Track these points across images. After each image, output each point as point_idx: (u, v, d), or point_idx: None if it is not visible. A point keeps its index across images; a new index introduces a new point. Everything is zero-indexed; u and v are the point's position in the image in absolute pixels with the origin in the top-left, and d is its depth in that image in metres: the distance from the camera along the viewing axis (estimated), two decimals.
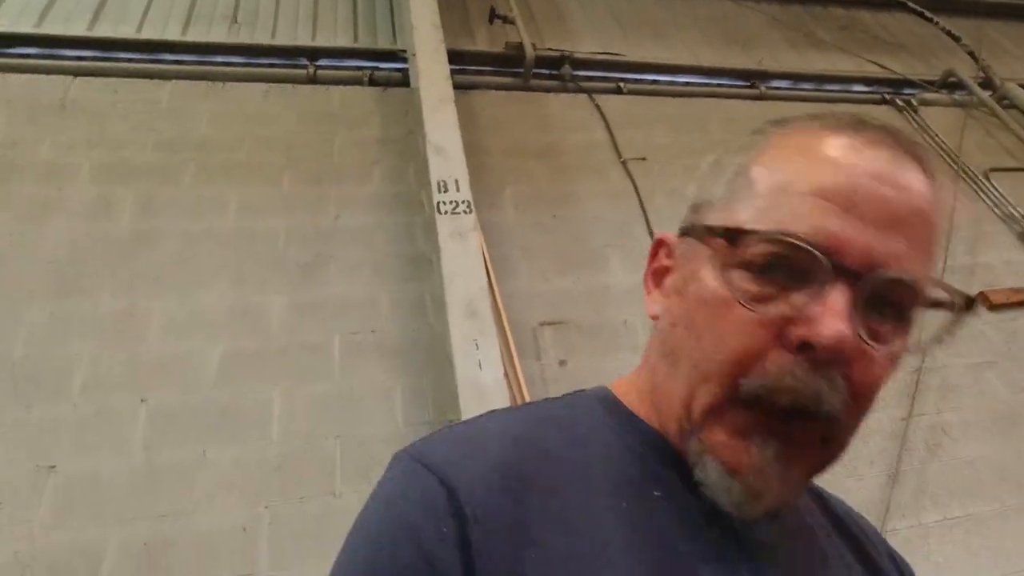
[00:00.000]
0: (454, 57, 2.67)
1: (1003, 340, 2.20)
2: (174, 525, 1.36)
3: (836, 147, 0.40)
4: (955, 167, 2.78)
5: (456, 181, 1.88)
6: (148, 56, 2.60)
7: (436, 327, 1.77)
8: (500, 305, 1.77)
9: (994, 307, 2.31)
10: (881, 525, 1.60)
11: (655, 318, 0.47)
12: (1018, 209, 2.62)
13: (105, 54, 2.54)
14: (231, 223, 1.91)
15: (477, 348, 1.56)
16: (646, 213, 2.23)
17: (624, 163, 2.39)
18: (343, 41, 2.80)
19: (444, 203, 1.83)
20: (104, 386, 1.51)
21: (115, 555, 1.29)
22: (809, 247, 0.36)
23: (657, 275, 0.50)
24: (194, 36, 2.66)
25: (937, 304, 0.40)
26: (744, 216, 0.40)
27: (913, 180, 0.39)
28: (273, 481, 1.46)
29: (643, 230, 2.20)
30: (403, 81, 2.60)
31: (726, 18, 3.36)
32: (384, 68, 2.72)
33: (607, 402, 0.49)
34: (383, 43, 2.82)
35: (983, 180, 2.75)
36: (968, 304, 0.39)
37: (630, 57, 2.91)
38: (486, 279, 1.72)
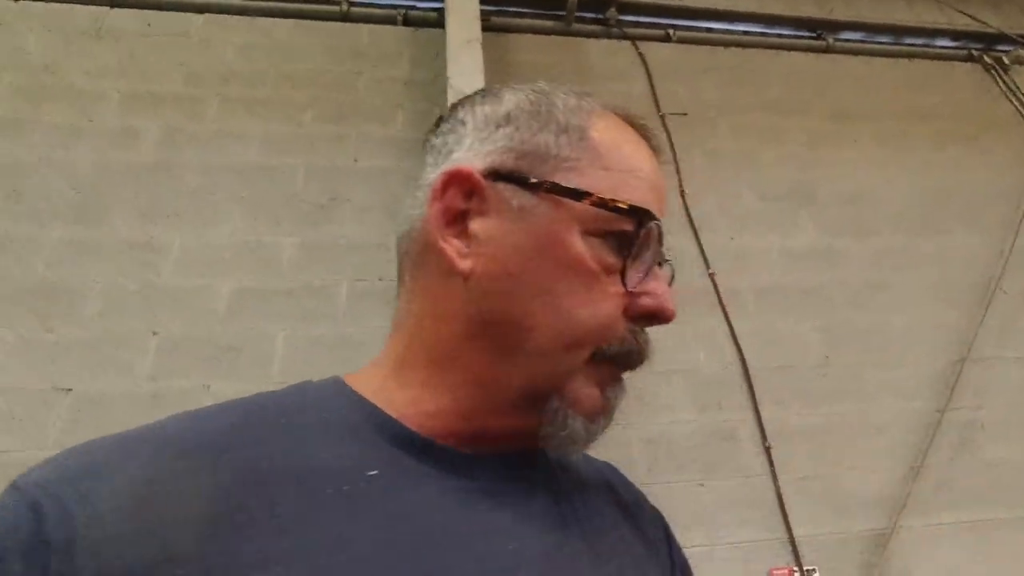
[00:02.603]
0: None
1: None
2: None
3: (643, 144, 0.47)
4: None
5: None
6: None
7: None
8: None
9: None
10: (894, 521, 1.50)
11: (465, 275, 0.42)
12: None
13: None
14: (251, 159, 1.91)
15: None
16: (679, 173, 2.09)
17: (663, 117, 2.23)
18: None
19: None
20: (118, 313, 1.56)
21: None
22: (662, 233, 0.43)
23: (451, 218, 0.43)
24: None
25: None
26: (602, 187, 0.42)
27: None
28: None
29: (673, 187, 2.06)
30: (438, 22, 2.49)
31: None
32: (420, 8, 2.61)
33: (335, 388, 0.44)
34: None
35: None
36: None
37: (684, 1, 2.68)
38: None
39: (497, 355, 0.41)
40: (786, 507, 1.48)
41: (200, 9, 2.39)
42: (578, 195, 0.41)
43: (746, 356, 1.72)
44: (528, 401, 0.42)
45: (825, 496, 1.54)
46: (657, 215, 0.42)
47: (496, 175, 0.43)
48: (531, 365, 0.41)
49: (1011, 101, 2.57)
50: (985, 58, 2.71)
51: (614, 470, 0.59)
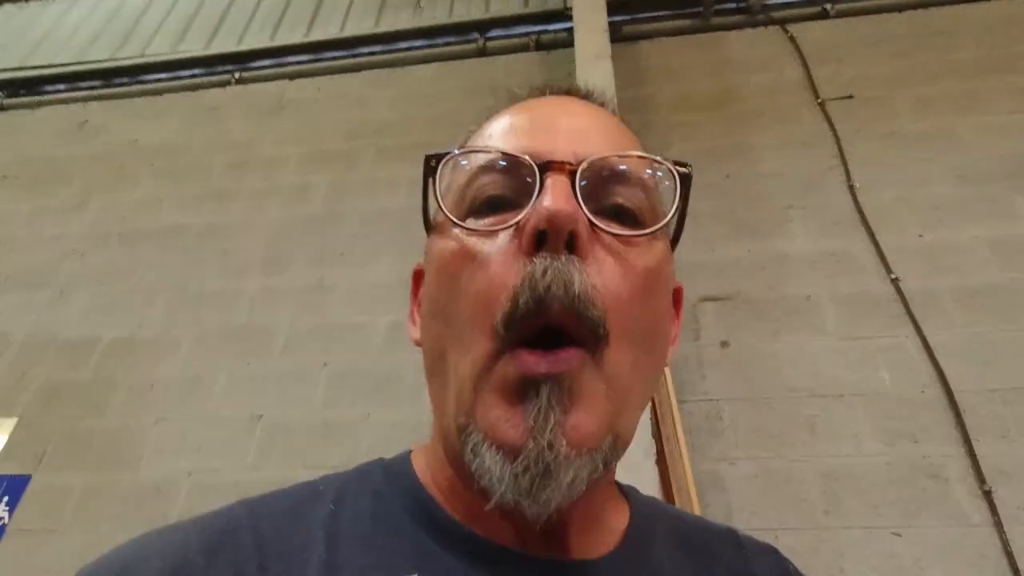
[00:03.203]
0: (621, 7, 2.48)
1: None
2: None
3: (526, 103, 0.43)
4: None
5: None
6: (347, 52, 2.91)
7: None
8: None
9: None
10: None
11: (418, 344, 0.42)
12: None
13: (315, 56, 2.92)
14: (401, 202, 2.07)
15: None
16: (846, 163, 1.83)
17: (822, 104, 1.98)
18: (515, 8, 2.79)
19: None
20: (297, 349, 1.78)
21: None
22: (513, 153, 0.36)
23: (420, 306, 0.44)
24: (384, 26, 2.90)
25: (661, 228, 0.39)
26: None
27: (598, 109, 0.43)
28: None
29: (840, 183, 1.81)
30: (568, 41, 2.50)
31: None
32: (551, 30, 2.65)
33: (395, 468, 0.41)
34: (553, 4, 2.74)
35: None
36: (685, 173, 0.38)
37: None
38: None
39: (440, 414, 0.37)
40: (1018, 564, 1.18)
41: (357, 68, 2.68)
42: (425, 204, 0.40)
43: (953, 376, 1.42)
44: (463, 445, 0.34)
45: None
46: (513, 147, 0.37)
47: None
48: (451, 395, 0.35)
49: None
50: None
51: (775, 563, 0.46)
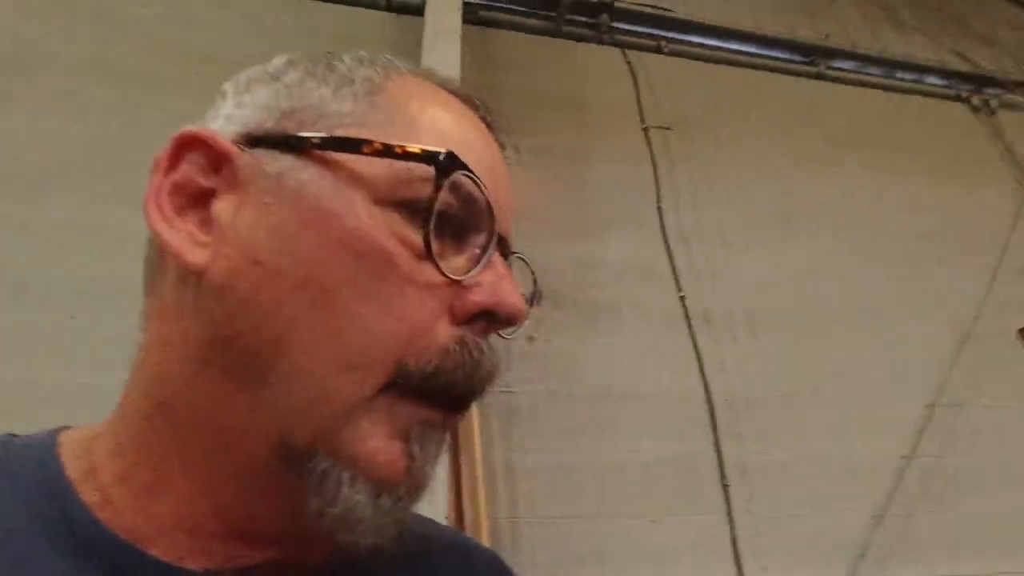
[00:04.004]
0: None
1: None
2: None
3: (474, 119, 0.36)
4: None
5: None
6: None
7: None
8: None
9: None
10: (853, 571, 1.43)
11: (199, 269, 0.29)
12: None
13: None
14: None
15: None
16: (659, 188, 2.01)
17: (645, 130, 2.16)
18: None
19: None
20: (55, 301, 1.42)
21: None
22: (491, 203, 0.32)
23: (181, 195, 0.31)
24: None
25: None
26: (400, 141, 0.31)
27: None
28: None
29: (652, 203, 1.99)
30: (420, 9, 2.39)
31: None
32: None
33: (35, 453, 0.31)
34: None
35: None
36: (537, 297, 0.39)
37: (679, 13, 2.61)
38: None
39: (236, 387, 0.28)
40: (744, 551, 1.41)
41: None
42: (354, 145, 0.30)
43: (715, 384, 1.64)
44: (285, 461, 0.28)
45: (785, 540, 1.47)
46: (483, 188, 0.31)
47: (251, 140, 0.32)
48: (285, 399, 0.28)
49: (996, 145, 2.55)
50: (973, 100, 2.69)
51: (492, 565, 0.46)
